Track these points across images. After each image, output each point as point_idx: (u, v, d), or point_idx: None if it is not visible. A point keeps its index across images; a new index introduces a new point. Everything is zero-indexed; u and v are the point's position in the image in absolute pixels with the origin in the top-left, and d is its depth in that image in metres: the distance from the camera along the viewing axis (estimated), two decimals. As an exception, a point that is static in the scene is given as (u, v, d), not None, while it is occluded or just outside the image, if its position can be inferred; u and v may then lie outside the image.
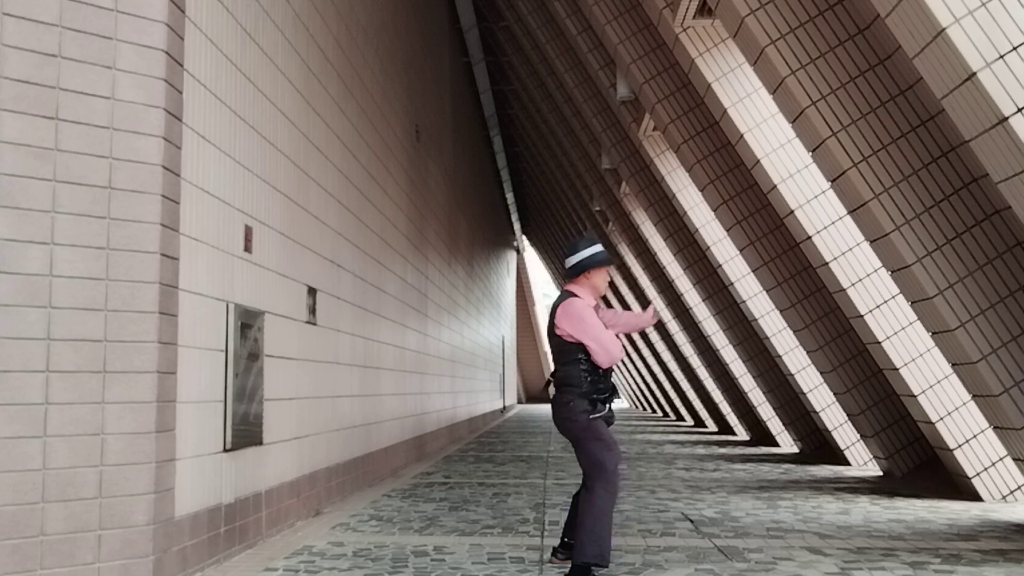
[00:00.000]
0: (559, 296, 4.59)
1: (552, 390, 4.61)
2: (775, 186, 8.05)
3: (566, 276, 4.63)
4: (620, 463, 4.37)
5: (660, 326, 17.82)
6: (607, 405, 4.43)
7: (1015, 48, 4.53)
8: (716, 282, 12.69)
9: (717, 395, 16.12)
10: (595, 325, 4.38)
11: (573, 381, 4.39)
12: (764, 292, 10.37)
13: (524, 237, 38.93)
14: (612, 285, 23.07)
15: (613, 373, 4.51)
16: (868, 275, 7.66)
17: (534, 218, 34.94)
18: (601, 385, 4.41)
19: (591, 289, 4.55)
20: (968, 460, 7.11)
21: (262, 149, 5.62)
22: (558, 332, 4.44)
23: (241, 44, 5.32)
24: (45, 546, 3.80)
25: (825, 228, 7.80)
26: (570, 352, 4.41)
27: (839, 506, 6.77)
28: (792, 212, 7.91)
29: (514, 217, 32.06)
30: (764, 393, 12.49)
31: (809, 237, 7.80)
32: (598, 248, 4.56)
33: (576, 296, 4.50)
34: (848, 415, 9.23)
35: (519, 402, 43.61)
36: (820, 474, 9.17)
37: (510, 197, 29.32)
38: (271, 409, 5.62)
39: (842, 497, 7.30)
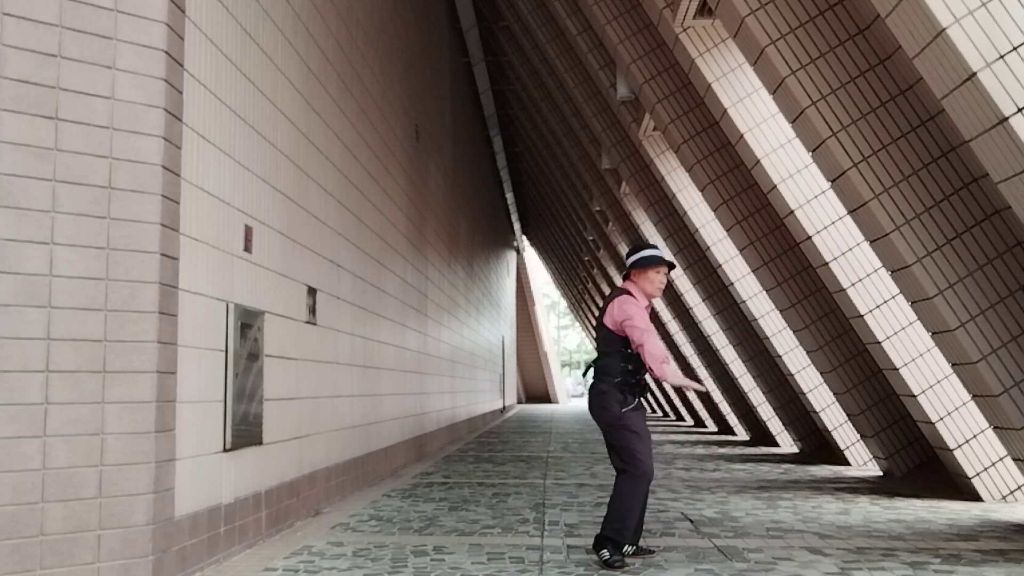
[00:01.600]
0: (612, 292, 4.91)
1: (590, 378, 4.93)
2: (775, 186, 8.05)
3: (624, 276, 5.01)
4: (650, 453, 4.67)
5: (659, 326, 17.80)
6: (637, 398, 4.71)
7: (1015, 48, 4.52)
8: (716, 282, 12.69)
9: (717, 395, 16.12)
10: (641, 324, 4.64)
11: (611, 371, 4.73)
12: (764, 292, 10.37)
13: (524, 237, 38.91)
14: (612, 286, 23.06)
15: (645, 370, 4.78)
16: (868, 275, 7.65)
17: (534, 218, 34.92)
18: (633, 380, 4.70)
19: (639, 291, 4.84)
20: (968, 460, 7.11)
21: (262, 149, 5.62)
22: (607, 323, 4.76)
23: (241, 44, 5.32)
24: (45, 546, 3.80)
25: (825, 228, 7.80)
26: (613, 344, 4.74)
27: (839, 506, 6.77)
28: (792, 212, 7.91)
29: (514, 217, 32.04)
30: (764, 393, 12.48)
31: (809, 237, 7.79)
32: (646, 253, 4.84)
33: (630, 294, 4.80)
34: (848, 415, 9.23)
35: (519, 402, 43.59)
36: (820, 474, 9.17)
37: (510, 197, 29.30)
38: (271, 409, 5.62)
39: (842, 497, 7.30)
